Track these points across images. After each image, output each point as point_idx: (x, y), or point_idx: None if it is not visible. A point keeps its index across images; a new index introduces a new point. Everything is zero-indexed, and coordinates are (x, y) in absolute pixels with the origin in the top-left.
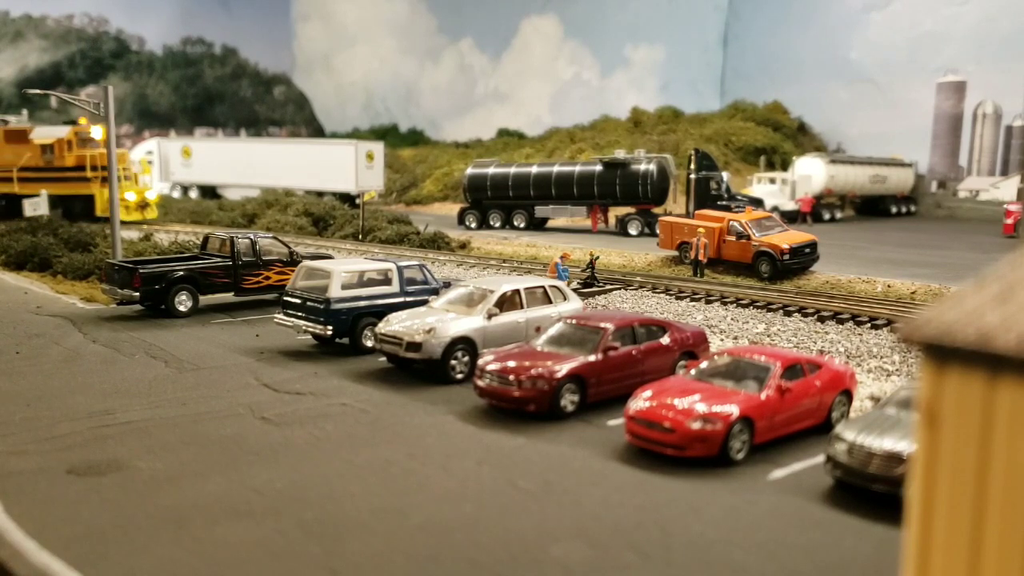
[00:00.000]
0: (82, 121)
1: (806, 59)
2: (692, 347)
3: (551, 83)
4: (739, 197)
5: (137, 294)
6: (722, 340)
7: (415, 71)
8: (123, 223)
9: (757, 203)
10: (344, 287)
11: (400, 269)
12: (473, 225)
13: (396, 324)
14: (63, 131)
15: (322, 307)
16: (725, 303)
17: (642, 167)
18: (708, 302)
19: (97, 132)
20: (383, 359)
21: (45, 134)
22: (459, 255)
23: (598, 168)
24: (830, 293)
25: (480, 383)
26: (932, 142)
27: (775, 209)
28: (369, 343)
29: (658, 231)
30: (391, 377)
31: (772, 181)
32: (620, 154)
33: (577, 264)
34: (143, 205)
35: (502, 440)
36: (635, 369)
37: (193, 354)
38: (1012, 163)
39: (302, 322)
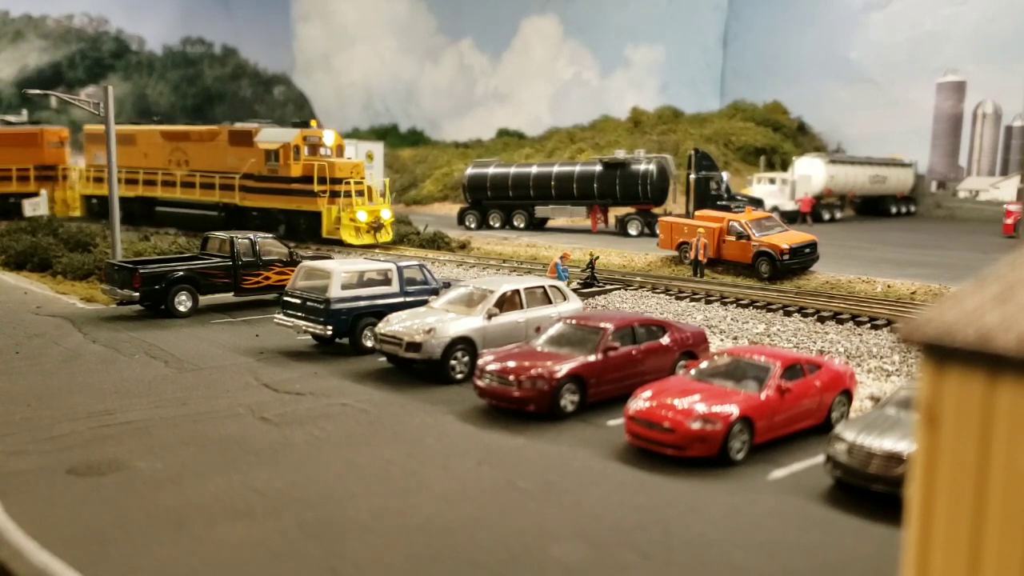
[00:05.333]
0: (312, 124)
1: (806, 59)
2: (692, 347)
3: (551, 83)
4: (739, 197)
5: (137, 294)
6: (722, 340)
7: (415, 71)
8: (352, 247)
9: (757, 203)
10: (344, 287)
11: (400, 269)
12: (473, 225)
13: (396, 324)
14: (290, 135)
15: (322, 307)
16: (725, 303)
17: (642, 167)
18: (708, 302)
19: (329, 137)
20: (383, 359)
21: (270, 137)
22: (459, 255)
23: (598, 168)
24: (830, 293)
25: (480, 383)
26: (932, 142)
27: (775, 209)
28: (369, 343)
29: (658, 231)
30: (391, 377)
31: (772, 181)
32: (620, 154)
33: (577, 264)
34: (376, 227)
35: (502, 440)
36: (635, 369)
37: (193, 354)
38: (1012, 163)
39: (302, 322)
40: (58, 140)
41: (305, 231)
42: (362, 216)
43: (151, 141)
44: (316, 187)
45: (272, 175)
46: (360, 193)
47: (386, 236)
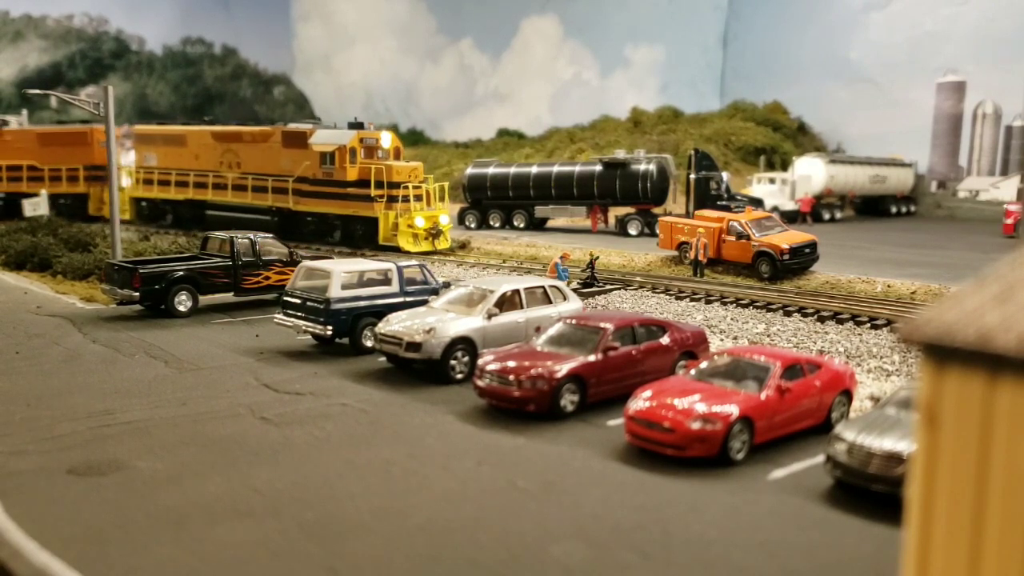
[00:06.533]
0: (369, 126)
1: (806, 59)
2: (692, 347)
3: (551, 83)
4: (739, 197)
5: (137, 294)
6: (722, 340)
7: (415, 71)
8: (407, 253)
9: (757, 203)
10: (344, 287)
11: (400, 269)
12: (473, 225)
13: (396, 324)
14: (346, 136)
15: (322, 307)
16: (725, 303)
17: (642, 167)
18: (708, 302)
19: (386, 139)
20: (383, 359)
21: (325, 139)
22: (459, 255)
23: (598, 168)
24: (830, 293)
25: (480, 383)
26: (932, 142)
27: (775, 209)
28: (369, 343)
29: (658, 231)
30: (391, 377)
31: (772, 181)
32: (620, 154)
33: (577, 264)
34: (435, 233)
35: (502, 440)
36: (635, 369)
37: (193, 354)
38: (1012, 163)
39: (302, 322)
40: None
41: (361, 237)
42: (420, 222)
43: (202, 142)
44: (373, 192)
45: (327, 179)
46: (418, 198)
47: (444, 243)
